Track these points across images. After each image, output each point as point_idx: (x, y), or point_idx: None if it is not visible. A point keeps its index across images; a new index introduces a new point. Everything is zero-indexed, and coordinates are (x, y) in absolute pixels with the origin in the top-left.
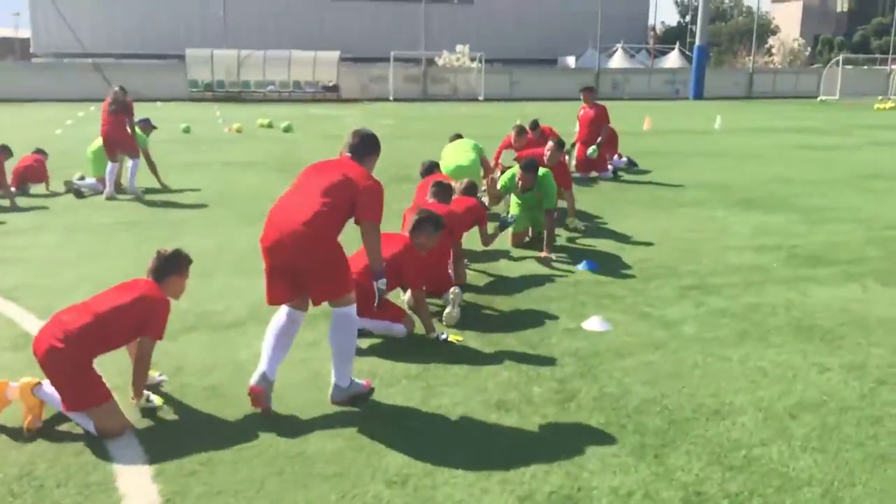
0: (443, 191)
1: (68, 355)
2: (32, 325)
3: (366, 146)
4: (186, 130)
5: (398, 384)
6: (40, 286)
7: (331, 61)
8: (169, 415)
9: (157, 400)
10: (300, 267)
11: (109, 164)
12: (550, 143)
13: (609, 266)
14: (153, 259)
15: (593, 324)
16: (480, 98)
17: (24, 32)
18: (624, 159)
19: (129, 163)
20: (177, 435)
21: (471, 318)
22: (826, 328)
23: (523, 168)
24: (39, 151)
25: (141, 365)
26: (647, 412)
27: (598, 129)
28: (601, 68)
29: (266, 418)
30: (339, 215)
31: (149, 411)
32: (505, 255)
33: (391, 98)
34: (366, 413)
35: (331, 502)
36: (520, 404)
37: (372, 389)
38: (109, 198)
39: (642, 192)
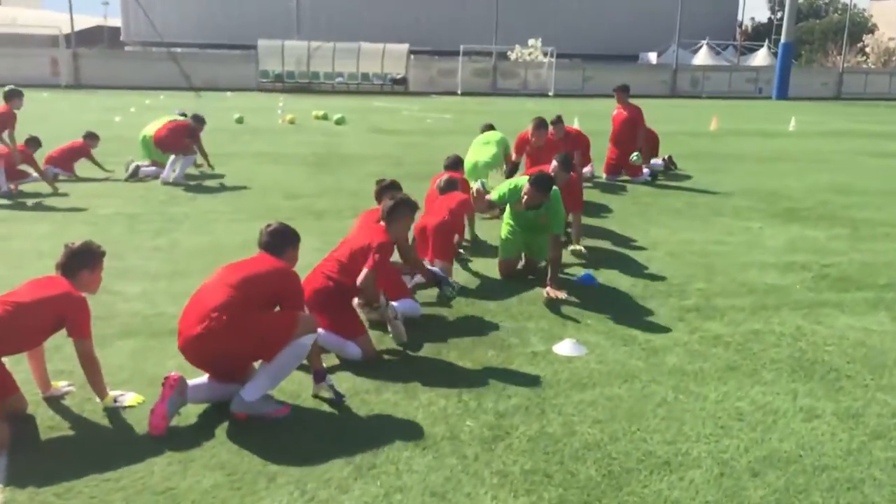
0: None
1: None
2: None
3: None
4: (239, 121)
5: (313, 411)
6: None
7: (399, 54)
8: (58, 431)
9: (130, 400)
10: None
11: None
12: (554, 163)
13: (611, 280)
14: (62, 254)
15: (565, 348)
16: (550, 93)
17: (113, 21)
18: (660, 161)
19: (181, 158)
20: (50, 457)
21: (434, 327)
22: (831, 365)
23: (534, 184)
24: (89, 136)
25: (87, 366)
26: (584, 459)
27: (632, 132)
28: (679, 65)
29: (152, 441)
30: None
31: (45, 427)
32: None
33: (459, 92)
34: (258, 443)
35: None
36: (441, 442)
37: (283, 415)
38: (164, 182)
39: (679, 198)
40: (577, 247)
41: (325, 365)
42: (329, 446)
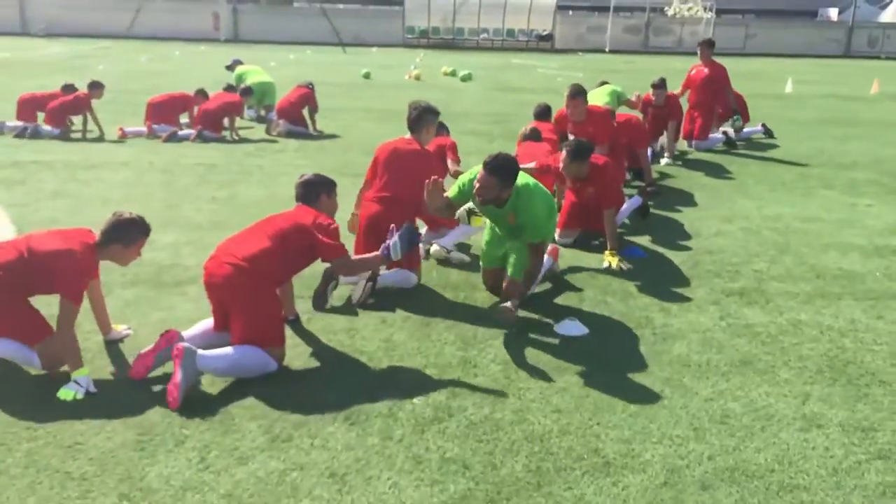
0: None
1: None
2: None
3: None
4: (366, 76)
5: (257, 380)
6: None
7: (547, 9)
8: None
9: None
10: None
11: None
12: (563, 153)
13: (661, 255)
14: (106, 220)
15: (565, 327)
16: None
17: None
18: (758, 127)
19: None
20: None
21: (425, 292)
22: (868, 367)
23: (487, 167)
24: (200, 93)
25: (60, 332)
26: (517, 452)
27: (711, 93)
28: (856, 22)
29: (86, 399)
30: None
31: None
32: None
33: (607, 49)
34: (190, 406)
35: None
36: (375, 418)
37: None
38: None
39: (791, 168)
40: (611, 259)
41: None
42: (259, 414)
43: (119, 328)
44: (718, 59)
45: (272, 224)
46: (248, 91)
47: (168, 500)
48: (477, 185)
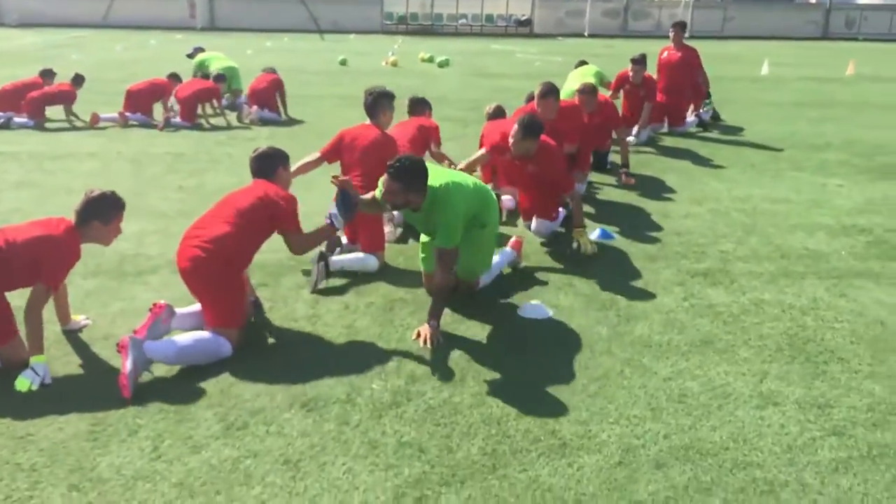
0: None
1: None
2: None
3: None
4: (343, 63)
5: (213, 366)
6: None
7: None
8: None
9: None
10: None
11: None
12: (515, 128)
13: (629, 237)
14: (80, 200)
15: (528, 310)
16: (685, 35)
17: None
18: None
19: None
20: None
21: (391, 276)
22: (828, 345)
23: (389, 173)
24: (173, 76)
25: (28, 315)
26: (474, 435)
27: (683, 77)
28: (833, 4)
29: (42, 390)
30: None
31: None
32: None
33: (586, 34)
34: (143, 395)
35: None
36: (333, 404)
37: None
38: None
39: (762, 150)
40: (581, 238)
41: None
42: (216, 402)
43: (78, 318)
44: (694, 43)
45: (232, 203)
46: (221, 77)
47: (118, 489)
48: (383, 191)
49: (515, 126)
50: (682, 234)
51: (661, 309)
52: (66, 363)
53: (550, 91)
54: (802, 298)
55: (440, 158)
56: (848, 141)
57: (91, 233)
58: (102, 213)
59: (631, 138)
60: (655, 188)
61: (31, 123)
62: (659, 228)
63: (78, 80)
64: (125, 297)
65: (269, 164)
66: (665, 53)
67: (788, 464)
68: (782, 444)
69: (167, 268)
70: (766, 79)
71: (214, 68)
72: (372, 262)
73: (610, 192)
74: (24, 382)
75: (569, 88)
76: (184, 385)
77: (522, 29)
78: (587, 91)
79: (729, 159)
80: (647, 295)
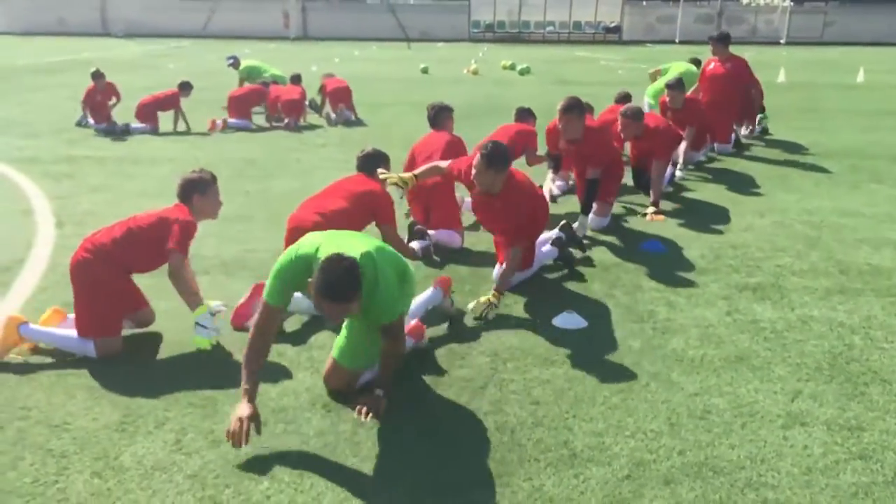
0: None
1: (96, 267)
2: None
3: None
4: (424, 71)
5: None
6: (96, 214)
7: (614, 0)
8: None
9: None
10: None
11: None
12: (477, 158)
13: (682, 249)
14: (177, 183)
15: (562, 319)
16: (782, 41)
17: None
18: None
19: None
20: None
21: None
22: (872, 366)
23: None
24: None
25: (175, 280)
26: (487, 442)
27: (730, 91)
28: None
29: (81, 377)
30: None
31: None
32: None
33: (677, 40)
34: (178, 384)
35: None
36: (351, 407)
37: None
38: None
39: (844, 159)
40: (482, 300)
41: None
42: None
43: (212, 303)
44: (791, 49)
45: (345, 186)
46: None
47: (136, 478)
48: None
49: (477, 156)
50: (738, 248)
51: (700, 323)
52: (111, 361)
53: (573, 106)
54: (855, 316)
55: (536, 161)
56: None
57: (196, 207)
58: (198, 187)
59: (679, 173)
60: (717, 199)
61: (149, 129)
62: (715, 241)
63: (185, 86)
64: (174, 297)
65: (372, 163)
66: (711, 65)
67: (805, 486)
68: (802, 466)
69: (219, 269)
70: (860, 86)
71: (269, 74)
72: (456, 240)
73: (665, 204)
74: (201, 341)
75: (658, 86)
76: (214, 382)
77: (611, 36)
78: (629, 115)
79: (803, 170)
80: (689, 308)
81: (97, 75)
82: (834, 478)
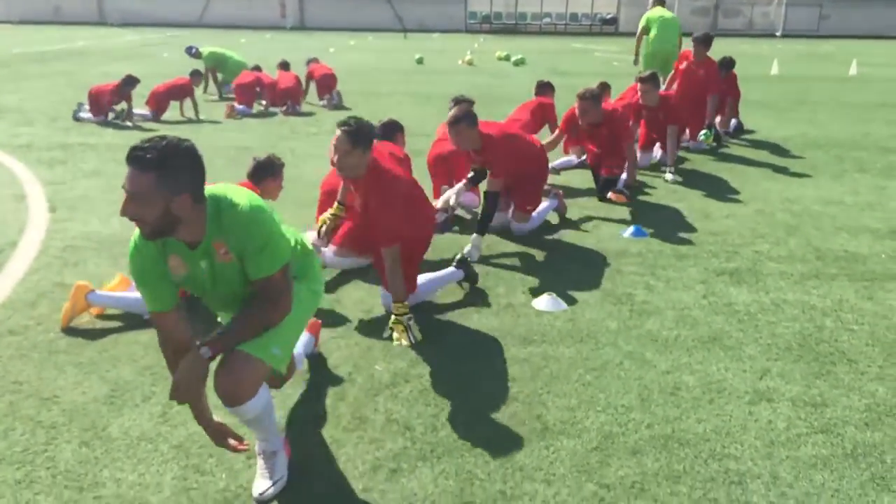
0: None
1: None
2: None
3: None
4: (419, 61)
5: None
6: (90, 199)
7: None
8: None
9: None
10: None
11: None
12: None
13: (664, 235)
14: (249, 164)
15: (542, 302)
16: (777, 34)
17: None
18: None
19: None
20: None
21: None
22: (840, 346)
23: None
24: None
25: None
26: (463, 416)
27: (704, 96)
28: None
29: (72, 353)
30: None
31: None
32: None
33: None
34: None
35: None
36: (332, 383)
37: None
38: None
39: (831, 150)
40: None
41: None
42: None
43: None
44: (787, 42)
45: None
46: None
47: (123, 447)
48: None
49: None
50: (719, 234)
51: (676, 305)
52: (100, 338)
53: (461, 118)
54: (827, 300)
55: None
56: None
57: (266, 188)
58: (272, 170)
59: (670, 175)
60: (703, 187)
61: (150, 116)
62: (696, 228)
63: (196, 74)
64: None
65: (391, 129)
66: (684, 64)
67: (766, 457)
68: (765, 439)
69: None
70: (853, 79)
71: (233, 62)
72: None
73: (652, 192)
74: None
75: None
76: None
77: (608, 27)
78: (586, 97)
79: (790, 160)
80: (666, 291)
81: (131, 80)
82: (795, 450)
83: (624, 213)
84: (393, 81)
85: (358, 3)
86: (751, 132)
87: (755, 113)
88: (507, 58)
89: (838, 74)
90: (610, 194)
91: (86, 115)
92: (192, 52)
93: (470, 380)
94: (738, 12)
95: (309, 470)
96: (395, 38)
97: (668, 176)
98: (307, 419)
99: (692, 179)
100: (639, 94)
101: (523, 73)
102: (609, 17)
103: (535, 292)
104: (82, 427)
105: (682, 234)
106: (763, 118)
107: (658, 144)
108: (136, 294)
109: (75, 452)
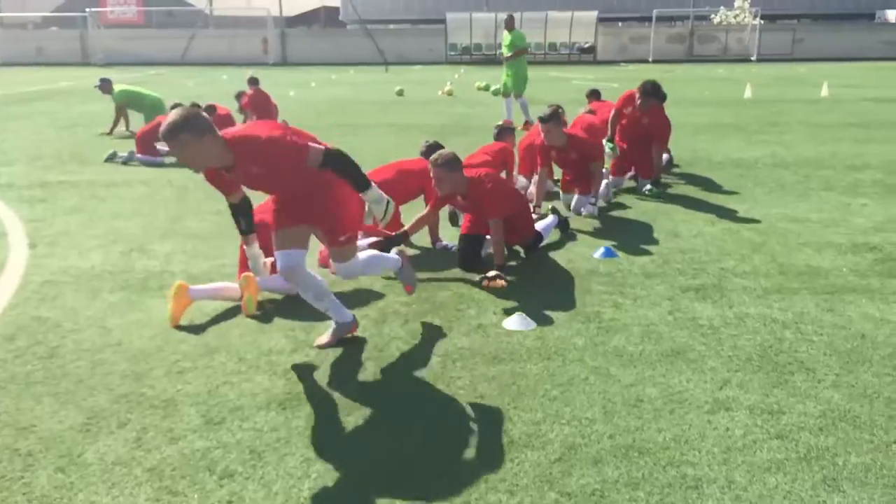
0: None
1: None
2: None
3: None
4: (399, 93)
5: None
6: (70, 234)
7: (588, 21)
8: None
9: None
10: None
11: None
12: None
13: (632, 254)
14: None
15: (511, 322)
16: (753, 58)
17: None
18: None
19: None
20: None
21: (391, 289)
22: (798, 357)
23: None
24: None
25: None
26: (431, 435)
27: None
28: None
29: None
30: None
31: None
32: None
33: (650, 59)
34: (152, 381)
35: None
36: (305, 404)
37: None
38: None
39: (799, 170)
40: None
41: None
42: (201, 401)
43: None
44: (761, 66)
45: (398, 165)
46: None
47: (97, 472)
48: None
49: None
50: (687, 252)
51: (643, 322)
52: (77, 369)
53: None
54: (788, 313)
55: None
56: (888, 161)
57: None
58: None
59: (648, 185)
60: (672, 208)
61: (158, 161)
62: (665, 247)
63: (208, 110)
64: (143, 309)
65: (430, 152)
66: (630, 109)
67: (722, 463)
68: (722, 446)
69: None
70: (824, 100)
71: (150, 101)
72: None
73: (623, 212)
74: None
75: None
76: (175, 385)
77: (586, 56)
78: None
79: (758, 180)
80: (633, 309)
81: (209, 109)
82: (751, 455)
83: (595, 234)
84: (372, 113)
85: (339, 37)
86: (713, 154)
87: (727, 136)
88: (486, 87)
89: (810, 96)
90: (582, 211)
91: (123, 155)
92: (103, 87)
93: (439, 399)
94: (714, 38)
95: (266, 494)
96: (377, 70)
97: (647, 187)
98: (280, 440)
99: (661, 201)
100: (542, 135)
101: (501, 102)
102: (587, 45)
103: (506, 312)
104: (59, 454)
105: (651, 254)
106: (734, 141)
107: (633, 168)
108: (225, 283)
109: (51, 478)
